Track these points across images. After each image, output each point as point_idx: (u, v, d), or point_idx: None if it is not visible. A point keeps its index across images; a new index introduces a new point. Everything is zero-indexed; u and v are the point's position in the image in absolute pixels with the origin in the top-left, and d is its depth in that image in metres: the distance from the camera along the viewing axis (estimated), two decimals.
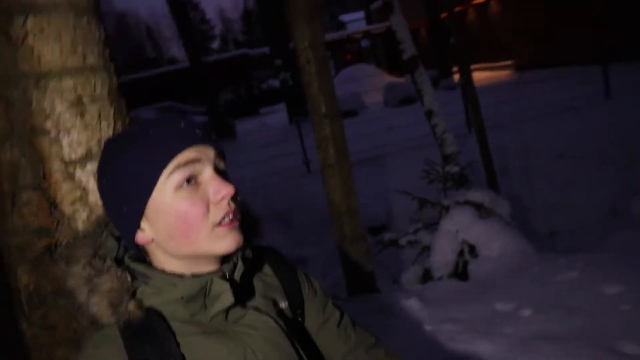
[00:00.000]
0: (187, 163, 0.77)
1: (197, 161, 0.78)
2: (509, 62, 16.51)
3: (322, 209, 5.59)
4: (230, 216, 0.80)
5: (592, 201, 5.34)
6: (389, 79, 16.12)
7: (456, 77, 13.80)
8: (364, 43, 30.05)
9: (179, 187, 0.77)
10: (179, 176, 0.77)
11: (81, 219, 1.09)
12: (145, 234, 0.80)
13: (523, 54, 15.64)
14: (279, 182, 7.28)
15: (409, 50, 4.25)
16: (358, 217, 2.90)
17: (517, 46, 15.93)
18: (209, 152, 0.81)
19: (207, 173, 0.79)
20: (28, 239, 1.09)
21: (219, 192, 0.79)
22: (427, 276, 3.77)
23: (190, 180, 0.78)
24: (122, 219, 0.81)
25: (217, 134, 13.52)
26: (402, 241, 4.07)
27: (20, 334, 1.16)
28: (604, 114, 7.05)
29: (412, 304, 2.76)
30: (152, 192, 0.78)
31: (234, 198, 0.81)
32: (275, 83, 24.13)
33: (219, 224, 0.79)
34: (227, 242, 0.80)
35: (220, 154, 0.84)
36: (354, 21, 35.94)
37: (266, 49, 17.52)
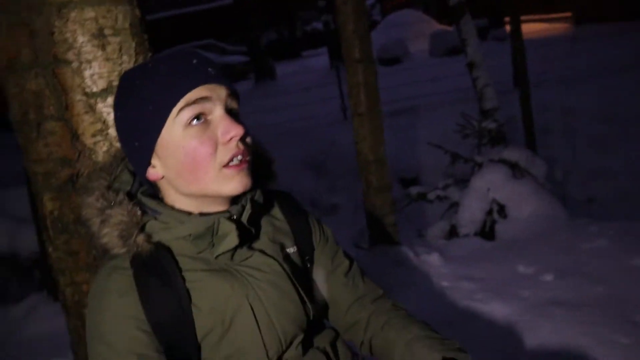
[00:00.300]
0: (196, 100, 0.77)
1: (208, 99, 0.78)
2: (568, 14, 15.50)
3: (355, 158, 5.57)
4: (239, 157, 0.80)
5: (636, 169, 5.11)
6: (436, 26, 15.42)
7: (508, 27, 13.09)
8: None
9: (188, 124, 0.77)
10: (188, 113, 0.77)
11: (101, 152, 1.12)
12: (155, 170, 0.82)
13: (583, 5, 14.61)
14: (315, 127, 7.24)
15: None
16: (386, 168, 2.87)
17: None
18: (221, 91, 0.80)
19: (217, 112, 0.79)
20: (52, 168, 1.13)
21: (228, 132, 0.78)
22: (452, 232, 3.75)
23: (200, 117, 0.78)
24: (134, 154, 0.82)
25: (257, 75, 13.41)
26: (431, 195, 4.02)
27: (47, 256, 1.23)
28: None
29: (433, 259, 2.77)
30: (161, 129, 0.78)
31: (243, 139, 0.81)
32: (319, 26, 23.53)
33: (227, 164, 0.79)
34: (234, 183, 0.80)
35: (233, 94, 0.83)
36: None
37: None
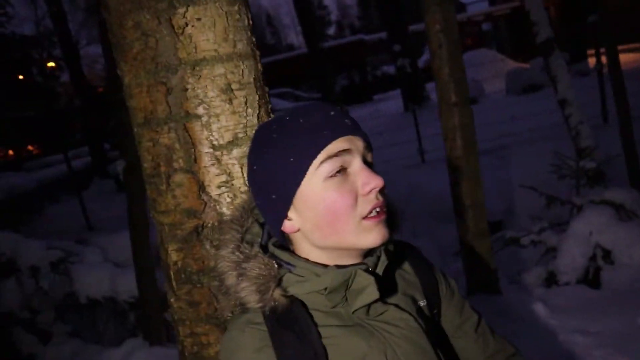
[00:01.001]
0: (337, 153, 0.76)
1: (348, 152, 0.77)
2: None
3: (436, 201, 5.44)
4: (378, 209, 0.78)
5: None
6: (512, 64, 15.15)
7: (591, 61, 12.55)
8: (486, 26, 28.50)
9: (328, 177, 0.76)
10: (329, 166, 0.76)
11: (226, 203, 1.14)
12: (292, 223, 0.81)
13: None
14: (393, 170, 7.20)
15: (544, 32, 3.92)
16: (484, 212, 2.76)
17: None
18: (359, 143, 0.79)
19: (356, 164, 0.78)
20: (179, 219, 1.16)
21: (368, 183, 0.77)
22: (551, 279, 3.51)
23: (340, 170, 0.77)
24: (271, 207, 0.81)
25: None
26: (525, 240, 3.81)
27: (169, 307, 1.25)
28: None
29: (538, 309, 2.58)
30: (301, 181, 0.77)
31: (381, 191, 0.79)
32: (389, 69, 23.84)
33: (367, 216, 0.77)
34: (373, 235, 0.78)
35: (369, 146, 0.82)
36: (475, 3, 34.19)
37: (383, 34, 17.34)
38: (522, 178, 5.33)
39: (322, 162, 0.76)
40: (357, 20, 55.88)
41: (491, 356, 0.95)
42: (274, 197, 0.80)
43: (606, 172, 3.91)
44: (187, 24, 1.08)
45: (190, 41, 1.09)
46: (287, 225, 0.81)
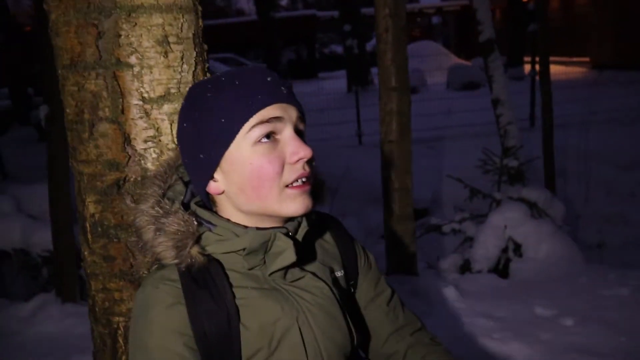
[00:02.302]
0: (269, 120, 0.76)
1: (280, 119, 0.77)
2: (585, 59, 15.63)
3: (369, 184, 5.57)
4: (304, 179, 0.79)
5: None
6: (455, 60, 15.60)
7: (526, 67, 13.19)
8: (435, 19, 29.10)
9: (257, 142, 0.76)
10: (259, 131, 0.76)
11: (151, 158, 1.10)
12: (217, 184, 0.80)
13: (602, 52, 14.75)
14: (329, 149, 7.26)
15: (487, 32, 4.07)
16: (410, 197, 2.86)
17: (598, 43, 15.03)
18: (292, 112, 0.79)
19: (287, 132, 0.78)
20: (100, 170, 1.11)
21: (297, 153, 0.78)
22: (465, 267, 3.72)
23: (270, 136, 0.77)
24: (198, 167, 0.81)
25: None
26: (446, 228, 4.00)
27: (82, 259, 1.20)
28: None
29: (449, 293, 2.73)
30: (230, 143, 0.77)
31: (309, 162, 0.80)
32: (338, 49, 23.83)
33: (291, 185, 0.78)
34: (296, 204, 0.79)
35: (302, 116, 0.82)
36: None
37: (335, 13, 17.26)
38: (451, 169, 5.56)
39: (253, 127, 0.76)
40: None
41: (399, 329, 0.99)
42: (201, 156, 0.79)
43: (526, 171, 4.16)
44: None
45: None
46: (212, 186, 0.81)
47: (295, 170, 0.78)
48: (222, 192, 0.81)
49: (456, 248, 3.99)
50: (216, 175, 0.80)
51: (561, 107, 7.20)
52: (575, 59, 16.35)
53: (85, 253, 1.19)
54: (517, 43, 14.41)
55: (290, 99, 0.79)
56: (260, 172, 0.76)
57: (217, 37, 20.08)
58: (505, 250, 3.61)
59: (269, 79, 0.79)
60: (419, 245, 4.52)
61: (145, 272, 0.88)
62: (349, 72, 13.67)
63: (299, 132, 0.81)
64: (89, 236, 1.17)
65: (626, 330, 2.23)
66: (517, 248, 3.56)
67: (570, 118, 7.39)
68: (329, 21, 22.40)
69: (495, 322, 2.39)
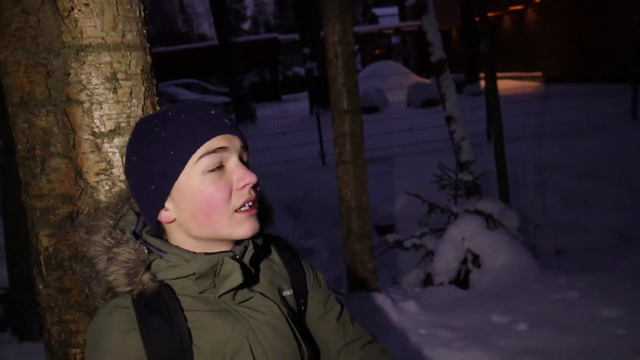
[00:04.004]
0: (216, 150, 0.82)
1: (225, 149, 0.83)
2: (538, 74, 16.31)
3: (333, 203, 5.62)
4: (250, 204, 0.85)
5: (605, 223, 5.31)
6: (415, 79, 16.00)
7: (482, 83, 13.66)
8: (395, 39, 29.81)
9: (206, 171, 0.82)
10: (207, 161, 0.82)
11: (103, 190, 1.14)
12: (168, 213, 0.85)
13: (553, 67, 15.43)
14: (293, 171, 7.32)
15: (437, 53, 4.25)
16: (367, 215, 2.93)
17: (548, 58, 15.71)
18: (236, 142, 0.85)
19: (232, 161, 0.84)
20: (53, 203, 1.14)
21: (243, 179, 0.83)
22: (428, 280, 3.81)
23: (218, 166, 0.83)
24: (149, 197, 0.85)
25: (238, 116, 13.55)
26: (407, 243, 4.10)
27: (37, 293, 1.22)
28: (628, 135, 6.96)
29: (410, 307, 2.80)
30: (180, 174, 0.82)
31: (254, 187, 0.86)
32: (300, 71, 24.08)
33: (239, 209, 0.84)
34: (245, 227, 0.84)
35: (245, 146, 0.88)
36: (387, 16, 35.55)
37: (296, 36, 17.49)
38: (413, 185, 5.69)
39: (200, 157, 0.82)
40: (273, 19, 55.74)
41: (350, 343, 1.03)
42: (152, 187, 0.84)
43: (481, 184, 4.31)
44: (73, 8, 1.08)
45: (76, 26, 1.08)
46: (164, 215, 0.85)
47: (242, 196, 0.84)
48: (173, 220, 0.85)
49: (418, 262, 4.08)
50: (167, 204, 0.84)
51: (516, 120, 7.50)
52: (528, 74, 17.03)
53: (40, 287, 1.21)
54: (472, 61, 14.92)
55: (233, 130, 0.85)
56: (210, 199, 0.82)
57: (179, 62, 20.00)
58: (464, 261, 3.71)
59: (212, 112, 0.85)
60: (384, 261, 4.60)
61: (101, 302, 0.91)
62: (311, 94, 13.85)
63: (243, 161, 0.87)
64: (44, 269, 1.19)
65: (575, 331, 2.34)
66: (476, 259, 3.68)
67: (524, 131, 7.70)
68: (290, 44, 22.65)
69: (454, 332, 2.47)
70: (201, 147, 0.81)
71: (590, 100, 9.81)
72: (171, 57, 20.01)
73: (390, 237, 4.15)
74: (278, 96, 22.22)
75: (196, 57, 20.64)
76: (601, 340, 2.22)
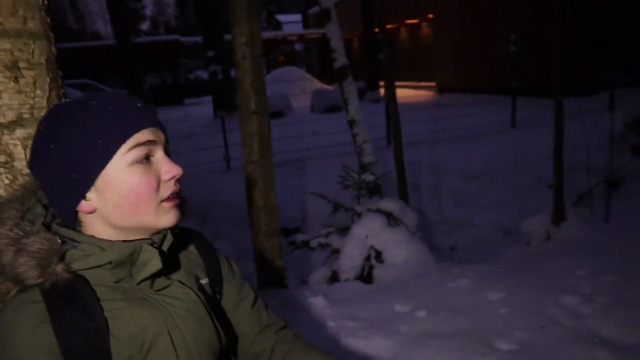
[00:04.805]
0: (145, 142, 0.83)
1: (153, 142, 0.85)
2: (433, 84, 17.44)
3: (238, 206, 5.62)
4: (175, 195, 0.87)
5: (490, 220, 5.83)
6: (318, 85, 16.36)
7: (382, 91, 14.34)
8: (298, 46, 30.26)
9: (134, 162, 0.82)
10: (137, 153, 0.82)
11: (3, 185, 1.09)
12: (89, 203, 0.83)
13: (445, 78, 16.59)
14: (198, 175, 7.18)
15: (340, 59, 4.43)
16: (275, 214, 2.99)
17: (441, 69, 16.87)
18: (161, 135, 0.87)
19: (159, 153, 0.86)
20: None
21: (170, 171, 0.86)
22: (334, 278, 3.94)
23: (146, 157, 0.84)
24: (68, 187, 0.82)
25: None
26: (314, 243, 4.21)
27: None
28: (508, 141, 7.69)
29: (318, 302, 2.89)
30: (107, 164, 0.81)
31: (178, 179, 0.89)
32: (203, 74, 23.59)
33: (166, 199, 0.86)
34: (169, 217, 0.86)
35: (167, 139, 0.90)
36: (291, 23, 36.04)
37: (199, 38, 17.13)
38: (318, 188, 5.84)
39: (130, 148, 0.82)
40: (174, 20, 54.01)
41: (264, 328, 1.08)
42: (74, 176, 0.81)
43: (382, 185, 4.55)
44: None
45: None
46: (84, 205, 0.83)
47: (169, 187, 0.86)
48: (94, 211, 0.84)
49: (324, 261, 4.21)
50: (89, 194, 0.83)
51: (412, 126, 7.99)
52: (423, 84, 18.15)
53: None
54: (373, 69, 15.60)
55: (158, 123, 0.87)
56: (139, 190, 0.82)
57: (71, 61, 18.66)
58: (368, 258, 3.89)
59: (139, 104, 0.86)
60: (290, 262, 4.67)
61: (1, 303, 0.86)
62: (215, 97, 13.65)
63: (166, 153, 0.88)
64: None
65: (467, 313, 2.59)
66: (379, 255, 3.87)
67: (420, 136, 8.22)
68: (192, 47, 22.13)
69: (359, 322, 2.61)
70: (131, 139, 0.82)
71: (476, 109, 10.70)
72: (62, 55, 18.55)
73: (298, 238, 4.23)
74: (180, 100, 21.58)
75: (90, 56, 19.42)
76: (488, 320, 2.48)
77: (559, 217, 4.09)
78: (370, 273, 3.82)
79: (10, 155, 1.09)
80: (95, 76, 18.51)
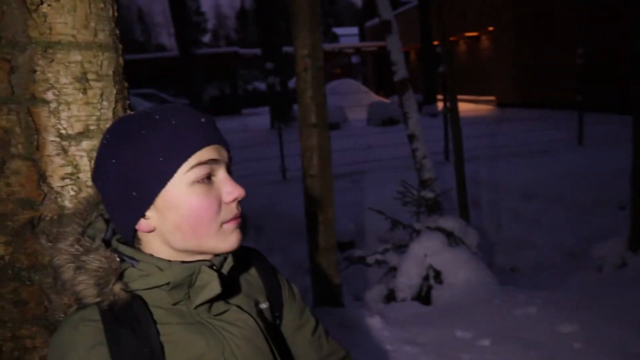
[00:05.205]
0: (207, 161, 0.78)
1: (216, 161, 0.79)
2: (492, 98, 16.94)
3: (293, 219, 5.61)
4: (237, 216, 0.82)
5: (554, 242, 5.52)
6: (374, 97, 16.28)
7: (439, 104, 14.07)
8: (355, 59, 30.36)
9: (195, 182, 0.78)
10: (199, 172, 0.77)
11: (69, 196, 1.08)
12: (148, 222, 0.79)
13: (506, 92, 16.08)
14: (253, 186, 7.25)
15: (400, 72, 4.33)
16: (333, 229, 2.92)
17: (501, 83, 16.37)
18: (224, 153, 0.82)
19: (221, 173, 0.81)
20: (11, 209, 1.07)
21: (232, 193, 0.80)
22: (390, 296, 3.82)
23: (208, 177, 0.79)
24: (128, 204, 0.79)
25: None
26: (370, 259, 4.10)
27: None
28: (574, 159, 7.30)
29: (375, 322, 2.79)
30: (168, 182, 0.77)
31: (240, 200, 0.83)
32: (260, 86, 24.10)
33: (227, 221, 0.81)
34: (231, 240, 0.81)
35: (230, 157, 0.85)
36: (347, 35, 36.30)
37: (258, 51, 17.51)
38: (374, 202, 5.74)
39: (192, 167, 0.77)
40: (233, 33, 55.71)
41: (324, 357, 1.01)
42: (134, 194, 0.78)
43: (442, 202, 4.39)
44: (42, 2, 1.02)
45: (45, 21, 1.03)
46: (143, 224, 0.79)
47: (231, 210, 0.81)
48: (153, 230, 0.80)
49: (381, 278, 4.09)
50: (148, 212, 0.79)
51: (470, 141, 7.74)
52: (482, 98, 17.67)
53: None
54: (430, 82, 15.36)
55: (222, 140, 0.82)
56: (199, 212, 0.78)
57: (137, 72, 19.63)
58: (426, 277, 3.75)
59: (203, 120, 0.81)
60: (346, 277, 4.59)
61: (62, 315, 0.84)
62: (272, 108, 13.85)
63: (229, 172, 0.83)
64: None
65: (535, 346, 2.40)
66: (437, 275, 3.72)
67: (479, 151, 7.95)
68: (251, 58, 22.66)
69: (418, 348, 2.48)
70: (193, 157, 0.77)
71: (539, 125, 10.26)
72: (129, 66, 19.57)
73: (354, 253, 4.15)
74: (238, 110, 22.11)
75: (155, 67, 20.32)
76: (560, 355, 2.28)
77: (636, 242, 3.78)
78: (428, 293, 3.68)
79: (76, 167, 1.08)
80: (159, 86, 19.35)
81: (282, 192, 6.77)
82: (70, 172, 1.08)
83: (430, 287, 3.68)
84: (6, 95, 1.04)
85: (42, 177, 1.06)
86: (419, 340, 2.57)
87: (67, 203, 1.07)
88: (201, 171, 0.77)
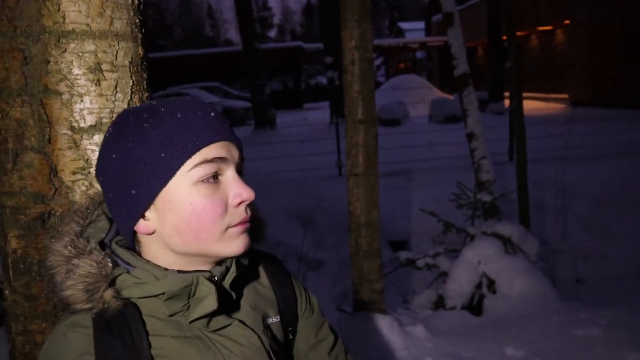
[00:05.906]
0: (213, 159, 0.71)
1: (224, 160, 0.72)
2: (565, 96, 16.00)
3: (344, 216, 5.51)
4: (244, 220, 0.75)
5: (627, 253, 5.12)
6: (438, 93, 15.87)
7: (507, 102, 13.45)
8: (420, 54, 29.73)
9: (199, 181, 0.71)
10: (203, 171, 0.71)
11: (80, 191, 1.04)
12: (148, 223, 0.74)
13: (580, 90, 15.14)
14: (308, 179, 7.23)
15: (461, 66, 4.11)
16: (377, 232, 2.79)
17: (575, 80, 15.43)
18: (234, 151, 0.74)
19: (229, 173, 0.74)
20: (24, 202, 1.05)
21: (240, 195, 0.73)
22: (439, 303, 3.65)
23: (213, 176, 0.72)
24: (127, 202, 0.73)
25: (257, 122, 13.57)
26: (420, 263, 3.94)
27: (4, 299, 1.12)
28: None
29: (417, 331, 2.65)
30: (169, 181, 0.71)
31: (250, 202, 0.75)
32: (323, 80, 24.13)
33: (233, 226, 0.73)
34: (236, 245, 0.74)
35: (242, 155, 0.77)
36: (413, 30, 35.63)
37: (320, 45, 17.53)
38: (429, 202, 5.55)
39: (196, 165, 0.71)
40: (299, 27, 56.22)
41: None
42: (133, 192, 0.72)
43: (500, 206, 4.15)
44: None
45: (58, 9, 0.99)
46: (142, 225, 0.74)
47: (238, 214, 0.74)
48: (153, 232, 0.74)
49: (430, 283, 3.93)
50: (148, 213, 0.73)
51: (539, 141, 7.30)
52: (554, 96, 16.74)
53: (7, 292, 1.11)
54: (498, 79, 14.73)
55: (233, 137, 0.74)
56: (202, 215, 0.71)
57: (203, 66, 20.32)
58: (479, 286, 3.55)
59: (212, 114, 0.73)
60: (395, 279, 4.45)
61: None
62: (331, 103, 13.80)
63: (239, 173, 0.76)
64: (11, 273, 1.09)
65: None
66: (491, 284, 3.51)
67: (547, 153, 7.49)
68: (314, 53, 22.76)
69: None
70: (197, 154, 0.70)
71: (616, 125, 9.53)
72: (195, 60, 20.41)
73: (403, 255, 4.00)
74: (300, 104, 22.30)
75: (220, 61, 20.94)
76: None
77: None
78: (480, 303, 3.47)
79: (87, 161, 1.04)
80: (224, 80, 19.89)
81: (337, 188, 6.70)
82: (82, 166, 1.04)
83: (482, 297, 3.47)
84: (20, 87, 1.01)
85: (54, 171, 1.03)
86: (463, 355, 2.41)
87: (77, 198, 1.04)
88: (206, 170, 0.71)
